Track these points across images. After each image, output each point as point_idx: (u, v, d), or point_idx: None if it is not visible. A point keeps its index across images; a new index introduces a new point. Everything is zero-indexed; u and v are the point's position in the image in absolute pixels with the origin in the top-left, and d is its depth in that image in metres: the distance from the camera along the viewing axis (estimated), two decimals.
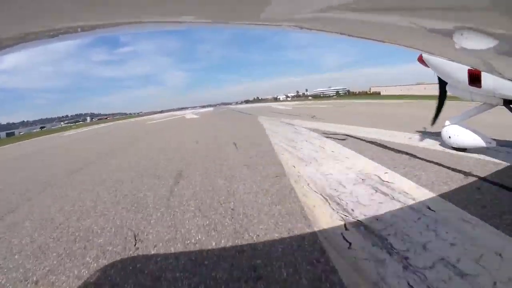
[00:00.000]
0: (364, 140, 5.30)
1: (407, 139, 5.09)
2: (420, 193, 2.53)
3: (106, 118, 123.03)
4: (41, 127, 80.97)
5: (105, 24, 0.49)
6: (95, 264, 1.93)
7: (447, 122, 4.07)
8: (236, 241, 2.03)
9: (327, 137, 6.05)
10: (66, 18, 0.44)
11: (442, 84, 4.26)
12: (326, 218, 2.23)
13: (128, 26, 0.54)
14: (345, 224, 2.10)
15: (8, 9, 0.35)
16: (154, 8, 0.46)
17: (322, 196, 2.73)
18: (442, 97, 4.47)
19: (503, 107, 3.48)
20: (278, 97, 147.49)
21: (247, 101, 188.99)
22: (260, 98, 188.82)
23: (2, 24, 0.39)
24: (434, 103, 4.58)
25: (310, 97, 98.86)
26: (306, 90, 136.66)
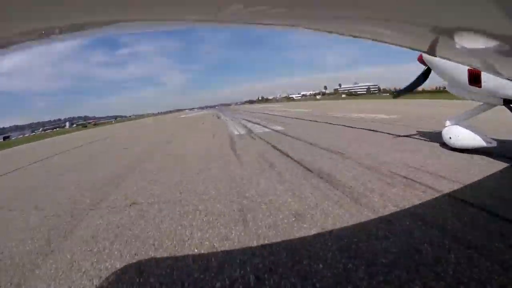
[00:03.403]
0: None
1: None
2: None
3: (91, 123, 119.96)
4: (5, 137, 73.08)
5: (104, 23, 0.50)
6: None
7: (447, 123, 4.18)
8: None
9: None
10: (64, 18, 0.45)
11: (428, 71, 4.45)
12: None
13: (127, 26, 0.55)
14: None
15: (5, 10, 0.35)
16: (153, 8, 0.46)
17: None
18: (419, 80, 4.63)
19: (503, 107, 3.62)
20: (291, 96, 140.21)
21: (251, 102, 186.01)
22: (265, 98, 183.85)
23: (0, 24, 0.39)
24: None
25: (343, 95, 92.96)
26: (340, 85, 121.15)
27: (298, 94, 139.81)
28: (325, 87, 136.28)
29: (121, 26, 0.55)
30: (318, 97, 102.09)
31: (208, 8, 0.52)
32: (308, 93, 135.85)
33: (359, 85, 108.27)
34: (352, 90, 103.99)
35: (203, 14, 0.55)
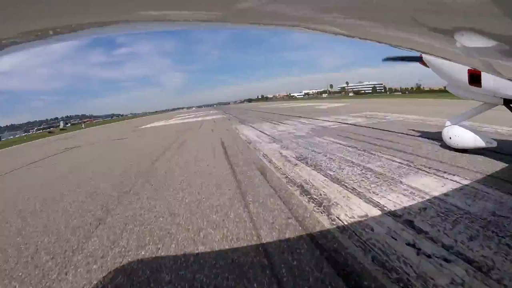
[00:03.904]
0: None
1: None
2: None
3: (85, 121, 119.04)
4: None
5: (103, 23, 0.50)
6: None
7: (447, 123, 4.22)
8: None
9: None
10: (63, 18, 0.45)
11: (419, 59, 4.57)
12: None
13: (126, 26, 0.55)
14: None
15: (3, 10, 0.35)
16: (152, 7, 0.47)
17: None
18: (411, 58, 4.85)
19: (503, 106, 3.65)
20: (293, 95, 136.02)
21: (249, 100, 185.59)
22: (265, 96, 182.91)
23: None
24: None
25: (351, 93, 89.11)
26: (347, 83, 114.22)
27: (300, 92, 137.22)
28: (331, 86, 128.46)
29: (121, 26, 0.55)
30: (324, 95, 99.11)
31: (207, 9, 0.52)
32: (311, 91, 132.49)
33: (364, 83, 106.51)
34: (359, 89, 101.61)
35: (203, 15, 0.55)
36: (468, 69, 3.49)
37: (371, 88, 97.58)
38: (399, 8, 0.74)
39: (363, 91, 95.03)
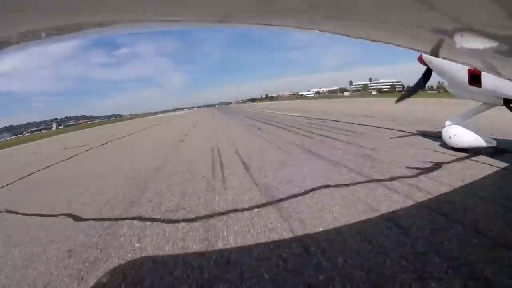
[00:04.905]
0: None
1: None
2: None
3: (80, 123, 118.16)
4: None
5: (103, 23, 0.50)
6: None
7: (447, 122, 4.24)
8: None
9: None
10: (63, 18, 0.45)
11: (428, 73, 4.54)
12: None
13: (126, 26, 0.55)
14: None
15: (3, 11, 0.35)
16: (153, 8, 0.47)
17: None
18: (420, 83, 4.77)
19: (503, 106, 3.68)
20: (301, 93, 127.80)
21: (253, 100, 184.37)
22: (270, 95, 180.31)
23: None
24: None
25: (373, 92, 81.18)
26: (371, 80, 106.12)
27: (308, 91, 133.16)
28: (351, 82, 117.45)
29: (121, 26, 0.55)
30: (346, 93, 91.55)
31: (208, 8, 0.53)
32: (321, 89, 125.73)
33: (380, 81, 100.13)
34: (381, 87, 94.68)
35: (203, 14, 0.56)
36: (468, 69, 3.52)
37: (389, 86, 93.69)
38: (400, 9, 0.75)
39: (386, 89, 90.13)
